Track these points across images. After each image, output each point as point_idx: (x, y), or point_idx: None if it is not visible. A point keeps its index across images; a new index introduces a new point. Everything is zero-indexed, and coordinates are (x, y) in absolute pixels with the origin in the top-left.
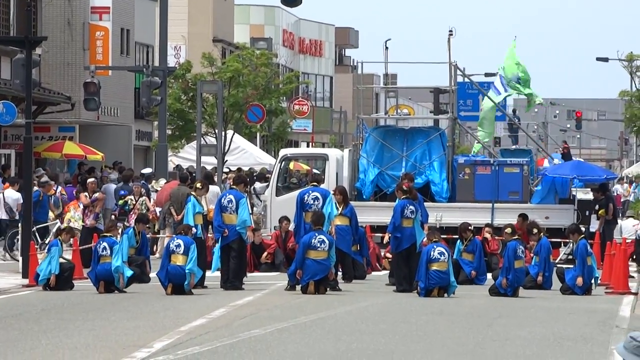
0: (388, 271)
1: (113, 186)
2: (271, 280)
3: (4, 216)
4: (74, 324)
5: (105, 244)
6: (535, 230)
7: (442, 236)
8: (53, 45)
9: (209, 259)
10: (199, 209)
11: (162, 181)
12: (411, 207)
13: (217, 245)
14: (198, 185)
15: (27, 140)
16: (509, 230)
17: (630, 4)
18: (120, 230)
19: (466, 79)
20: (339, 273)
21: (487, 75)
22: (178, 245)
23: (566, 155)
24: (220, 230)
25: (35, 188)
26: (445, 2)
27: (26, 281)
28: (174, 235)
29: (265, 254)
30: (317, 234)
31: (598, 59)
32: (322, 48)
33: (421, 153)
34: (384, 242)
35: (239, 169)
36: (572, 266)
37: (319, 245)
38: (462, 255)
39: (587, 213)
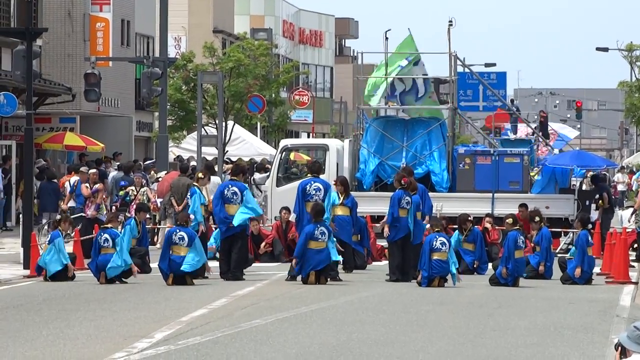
0: (388, 262)
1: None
2: (272, 271)
3: (72, 204)
4: (75, 315)
5: (107, 235)
6: (537, 219)
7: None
8: (53, 36)
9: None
10: (202, 200)
11: (162, 172)
12: (407, 197)
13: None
14: (200, 175)
15: (27, 132)
16: (510, 220)
17: None
18: (121, 221)
19: (466, 69)
20: (340, 263)
21: (487, 65)
22: (182, 238)
23: (543, 124)
24: (227, 222)
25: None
26: None
27: (27, 272)
28: (176, 227)
29: (264, 243)
30: (319, 226)
31: (598, 48)
32: (322, 38)
33: (421, 143)
34: (384, 234)
35: (240, 159)
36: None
37: (320, 236)
38: (463, 245)
39: (587, 203)
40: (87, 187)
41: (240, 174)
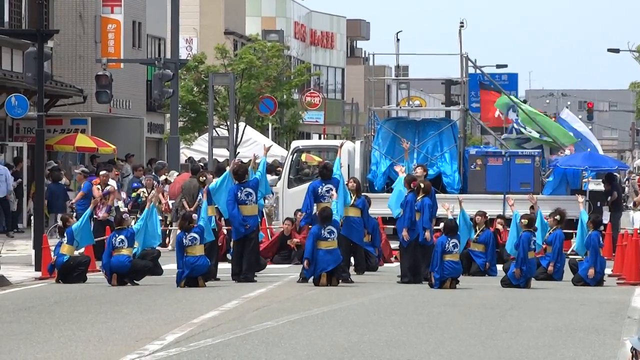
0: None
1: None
2: (283, 272)
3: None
4: (87, 317)
5: (122, 236)
6: (558, 217)
7: None
8: (65, 38)
9: (222, 251)
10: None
11: (175, 173)
12: (418, 199)
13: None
14: (202, 178)
15: (39, 133)
16: (525, 221)
17: None
18: (132, 222)
19: (477, 71)
20: (351, 265)
21: (498, 66)
22: (193, 239)
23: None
24: (244, 224)
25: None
26: None
27: (39, 274)
28: (183, 231)
29: (297, 239)
30: (325, 225)
31: (609, 50)
32: (333, 40)
33: (433, 145)
34: (405, 238)
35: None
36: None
37: (328, 235)
38: (473, 246)
39: (598, 204)
40: (98, 188)
41: (245, 174)
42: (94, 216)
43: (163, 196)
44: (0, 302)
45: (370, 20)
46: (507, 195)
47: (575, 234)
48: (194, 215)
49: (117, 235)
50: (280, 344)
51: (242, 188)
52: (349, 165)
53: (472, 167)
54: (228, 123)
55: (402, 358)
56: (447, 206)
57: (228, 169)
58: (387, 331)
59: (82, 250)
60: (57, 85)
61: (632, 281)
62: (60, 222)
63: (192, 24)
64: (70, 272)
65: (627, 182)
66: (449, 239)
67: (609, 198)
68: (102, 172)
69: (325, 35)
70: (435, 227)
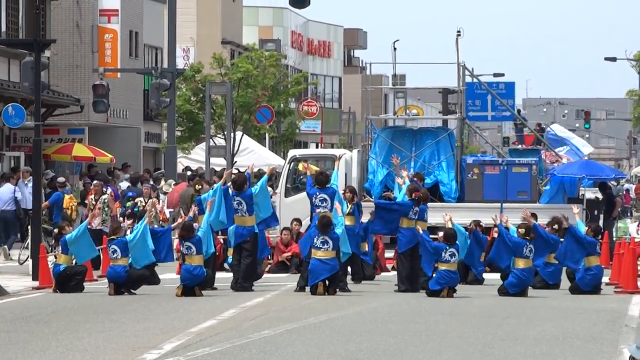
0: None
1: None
2: (281, 282)
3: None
4: (84, 326)
5: (114, 246)
6: (555, 226)
7: None
8: (62, 47)
9: (219, 261)
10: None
11: (172, 183)
12: (416, 208)
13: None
14: (197, 187)
15: (36, 143)
16: (522, 230)
17: (639, 3)
18: (127, 232)
19: (474, 80)
20: (349, 274)
21: (495, 75)
22: (189, 248)
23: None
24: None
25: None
26: (453, 2)
27: (36, 283)
28: (182, 239)
29: (290, 253)
30: (320, 235)
31: (606, 58)
32: (330, 49)
33: (430, 153)
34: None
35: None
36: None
37: (321, 245)
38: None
39: (595, 212)
40: (92, 199)
41: (244, 185)
42: (88, 226)
43: (159, 205)
44: None
45: (367, 30)
46: (501, 216)
47: None
48: (195, 225)
49: (110, 246)
50: (278, 353)
51: (235, 197)
52: (346, 174)
53: (469, 175)
54: (225, 132)
55: None
56: (447, 219)
57: (222, 180)
58: (384, 340)
59: None
60: (54, 94)
61: (630, 289)
62: (55, 230)
63: (189, 33)
64: (67, 281)
65: None
66: (447, 247)
67: (616, 206)
68: (95, 182)
69: (322, 44)
70: (432, 236)
